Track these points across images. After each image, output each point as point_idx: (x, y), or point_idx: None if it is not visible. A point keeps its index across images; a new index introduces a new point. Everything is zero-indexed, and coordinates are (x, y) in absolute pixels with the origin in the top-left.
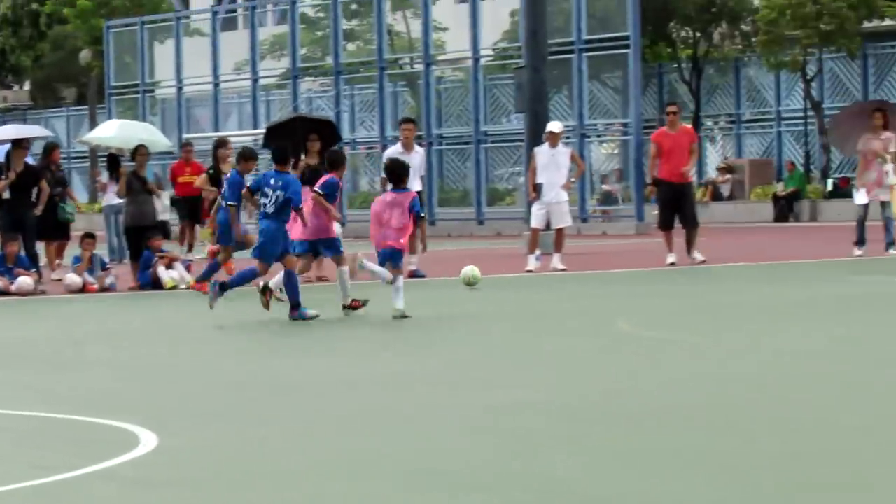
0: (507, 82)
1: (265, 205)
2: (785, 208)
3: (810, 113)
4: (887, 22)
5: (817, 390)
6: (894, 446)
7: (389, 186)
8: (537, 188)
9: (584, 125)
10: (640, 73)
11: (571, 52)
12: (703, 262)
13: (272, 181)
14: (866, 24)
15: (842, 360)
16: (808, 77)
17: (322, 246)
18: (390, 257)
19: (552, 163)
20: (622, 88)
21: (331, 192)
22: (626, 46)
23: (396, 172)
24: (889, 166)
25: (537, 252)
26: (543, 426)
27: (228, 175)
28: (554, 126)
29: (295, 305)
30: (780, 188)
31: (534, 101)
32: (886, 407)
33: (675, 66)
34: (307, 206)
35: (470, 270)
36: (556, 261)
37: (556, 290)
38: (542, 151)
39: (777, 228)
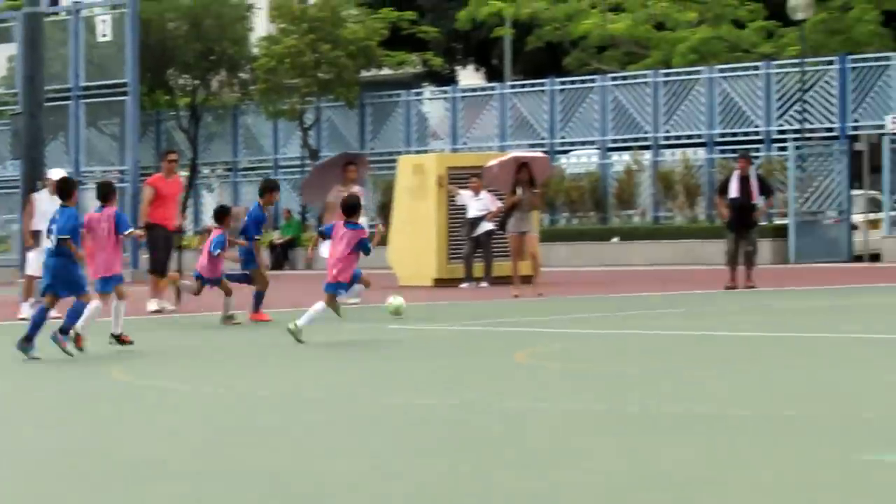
0: (2, 129)
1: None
2: (281, 256)
3: (308, 161)
4: (385, 71)
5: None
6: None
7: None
8: (34, 235)
9: (80, 172)
10: (138, 121)
11: (69, 98)
12: (159, 311)
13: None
14: (364, 74)
15: (325, 405)
16: (306, 126)
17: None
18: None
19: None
20: (119, 135)
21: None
22: (125, 93)
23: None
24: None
25: (31, 299)
26: (9, 478)
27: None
28: (56, 173)
29: (63, 330)
30: (276, 236)
31: (30, 148)
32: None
33: (173, 113)
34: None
35: (396, 301)
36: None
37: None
38: (41, 198)
39: (273, 276)
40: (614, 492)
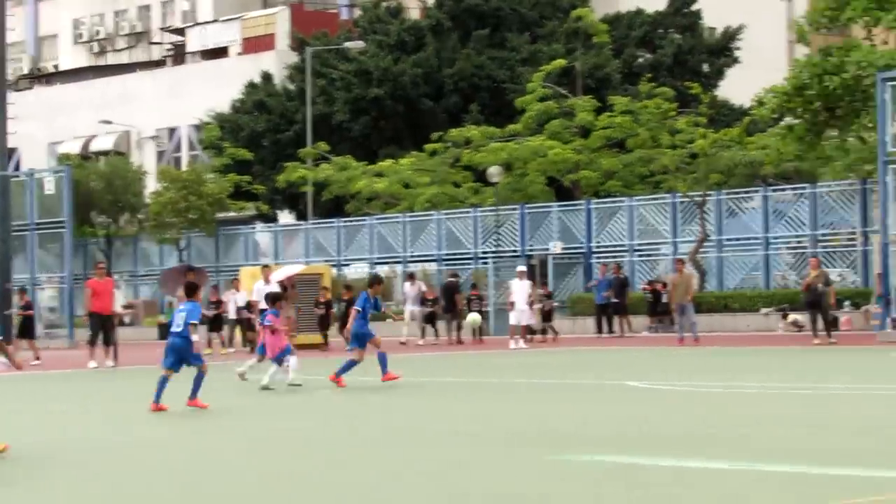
0: None
1: None
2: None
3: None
4: (232, 214)
5: None
6: None
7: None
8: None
9: (34, 278)
10: (72, 244)
11: (27, 230)
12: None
13: None
14: (219, 215)
15: None
16: (181, 248)
17: None
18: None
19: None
20: (60, 254)
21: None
22: (63, 227)
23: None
24: None
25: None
26: None
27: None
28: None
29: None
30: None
31: (1, 262)
32: None
33: (94, 240)
34: None
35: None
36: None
37: None
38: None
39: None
40: None
